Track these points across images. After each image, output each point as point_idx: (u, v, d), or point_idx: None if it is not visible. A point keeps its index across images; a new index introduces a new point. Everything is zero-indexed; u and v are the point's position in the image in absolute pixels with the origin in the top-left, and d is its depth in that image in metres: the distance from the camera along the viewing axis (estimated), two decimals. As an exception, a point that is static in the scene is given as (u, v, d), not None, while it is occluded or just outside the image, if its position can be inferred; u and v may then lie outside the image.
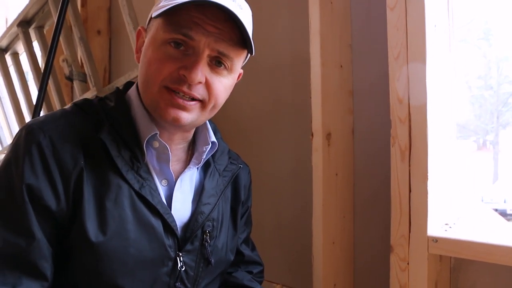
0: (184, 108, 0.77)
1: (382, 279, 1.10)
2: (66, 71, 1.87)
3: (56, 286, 0.77)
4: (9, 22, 2.74)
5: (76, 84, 1.93)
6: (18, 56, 2.60)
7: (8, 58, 2.62)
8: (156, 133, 0.80)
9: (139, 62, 0.82)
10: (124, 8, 1.60)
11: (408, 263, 1.03)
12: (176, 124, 0.79)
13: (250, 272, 1.03)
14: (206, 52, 0.75)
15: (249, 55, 0.84)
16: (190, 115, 0.78)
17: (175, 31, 0.74)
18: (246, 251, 1.03)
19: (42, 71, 1.93)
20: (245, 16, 0.78)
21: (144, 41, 0.81)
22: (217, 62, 0.78)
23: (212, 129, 0.91)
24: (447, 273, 1.10)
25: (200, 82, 0.76)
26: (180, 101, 0.77)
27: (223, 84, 0.80)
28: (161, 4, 0.77)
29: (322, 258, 1.18)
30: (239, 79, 0.88)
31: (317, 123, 1.15)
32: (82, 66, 2.00)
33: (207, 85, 0.78)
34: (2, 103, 2.84)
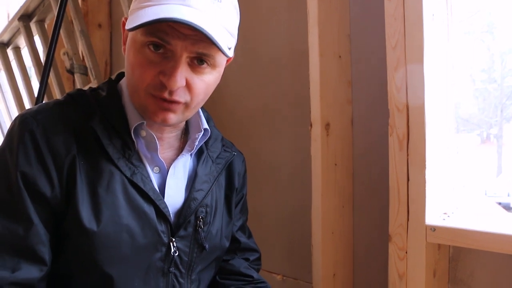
0: (170, 110, 0.78)
1: (381, 268, 1.11)
2: (67, 64, 1.88)
3: (51, 273, 0.78)
4: (11, 17, 2.75)
5: (77, 77, 1.93)
6: (20, 50, 2.61)
7: (10, 52, 2.63)
8: (143, 123, 0.81)
9: (124, 53, 0.82)
10: (124, 1, 1.61)
11: (406, 252, 1.03)
12: (165, 125, 0.81)
13: (247, 259, 1.04)
14: (185, 55, 0.74)
15: (235, 44, 0.82)
16: (176, 116, 0.79)
17: (151, 34, 0.73)
18: (242, 238, 1.04)
19: (43, 64, 1.94)
20: (224, 12, 0.76)
21: (128, 34, 0.81)
22: (199, 61, 0.77)
23: (205, 117, 0.91)
24: (445, 262, 1.11)
25: (180, 86, 0.76)
26: (165, 104, 0.77)
27: (206, 82, 0.79)
28: (135, 5, 0.76)
29: (322, 248, 1.19)
30: (228, 63, 0.87)
31: (315, 113, 1.15)
32: (83, 59, 2.00)
33: (189, 87, 0.77)
34: (4, 97, 2.86)
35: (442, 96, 1.06)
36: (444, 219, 1.04)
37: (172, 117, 0.79)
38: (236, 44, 0.83)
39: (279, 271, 1.42)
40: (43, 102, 1.85)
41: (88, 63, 1.87)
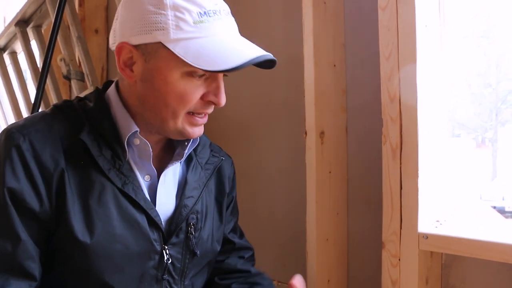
0: (201, 123, 0.84)
1: (375, 274, 1.12)
2: (64, 70, 1.88)
3: (46, 285, 0.78)
4: (7, 21, 2.75)
5: (73, 83, 1.94)
6: (16, 55, 2.61)
7: (6, 57, 2.64)
8: (137, 131, 0.82)
9: (129, 79, 0.81)
10: (120, 7, 1.61)
11: (399, 259, 1.04)
12: (194, 137, 0.86)
13: (242, 257, 1.05)
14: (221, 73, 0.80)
15: None
16: (202, 128, 0.86)
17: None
18: (235, 239, 1.05)
19: (40, 70, 1.95)
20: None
21: (132, 58, 0.79)
22: None
23: None
24: (438, 269, 1.12)
25: None
26: (199, 120, 0.83)
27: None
28: (180, 32, 0.76)
29: (316, 254, 1.20)
30: None
31: (310, 121, 1.17)
32: (80, 65, 2.01)
33: None
34: (0, 102, 2.86)
35: (436, 105, 1.07)
36: (436, 227, 1.05)
37: (201, 131, 0.85)
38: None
39: (274, 277, 1.43)
40: (40, 109, 1.86)
41: (84, 69, 1.88)
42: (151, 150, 0.83)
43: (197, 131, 0.84)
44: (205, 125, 0.97)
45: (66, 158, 0.77)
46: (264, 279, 1.05)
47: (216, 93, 0.80)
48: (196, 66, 0.75)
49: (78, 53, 1.94)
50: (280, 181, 1.41)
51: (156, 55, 0.78)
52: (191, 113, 0.81)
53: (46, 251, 0.78)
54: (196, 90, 0.79)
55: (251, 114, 1.50)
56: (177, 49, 0.76)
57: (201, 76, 0.78)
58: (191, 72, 0.77)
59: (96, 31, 2.19)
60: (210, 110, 0.83)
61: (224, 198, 1.00)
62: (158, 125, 0.83)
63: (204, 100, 0.80)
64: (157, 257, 0.84)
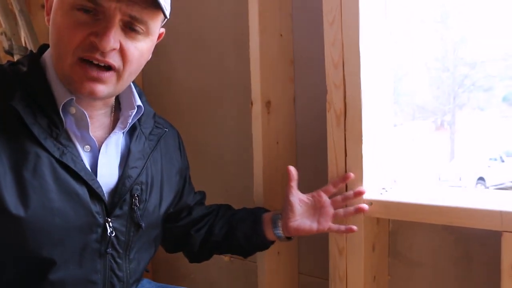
0: (99, 80, 0.75)
1: (324, 244, 1.12)
2: (5, 44, 1.79)
3: None
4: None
5: (17, 59, 1.85)
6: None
7: None
8: (72, 99, 0.77)
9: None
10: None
11: (345, 227, 1.04)
12: (93, 98, 0.77)
13: (202, 203, 1.10)
14: (118, 17, 0.72)
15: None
16: (106, 88, 0.76)
17: None
18: (199, 208, 1.07)
19: (-20, 46, 1.85)
20: None
21: (52, 3, 0.77)
22: (132, 27, 0.75)
23: (137, 93, 0.88)
24: (385, 236, 1.13)
25: (114, 49, 0.73)
26: (95, 73, 0.74)
27: (139, 49, 0.77)
28: None
29: (265, 226, 1.18)
30: (160, 39, 0.85)
31: (256, 91, 1.14)
32: (25, 41, 1.91)
33: (122, 52, 0.75)
34: None
35: (381, 72, 1.07)
36: (381, 194, 1.06)
37: (102, 89, 0.75)
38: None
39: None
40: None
41: (29, 44, 1.79)
42: (88, 119, 0.79)
43: (88, 87, 0.74)
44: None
45: None
46: (230, 208, 1.09)
47: (101, 33, 0.71)
48: None
49: (22, 28, 1.85)
50: (230, 155, 1.39)
51: None
52: (81, 60, 0.73)
53: None
54: (80, 26, 0.72)
55: (199, 87, 1.46)
56: None
57: (88, 11, 0.72)
58: (75, 5, 0.72)
59: (43, 6, 2.09)
60: (97, 55, 0.72)
61: (175, 169, 0.98)
62: (59, 75, 0.77)
63: (89, 40, 0.72)
64: (99, 230, 0.80)
